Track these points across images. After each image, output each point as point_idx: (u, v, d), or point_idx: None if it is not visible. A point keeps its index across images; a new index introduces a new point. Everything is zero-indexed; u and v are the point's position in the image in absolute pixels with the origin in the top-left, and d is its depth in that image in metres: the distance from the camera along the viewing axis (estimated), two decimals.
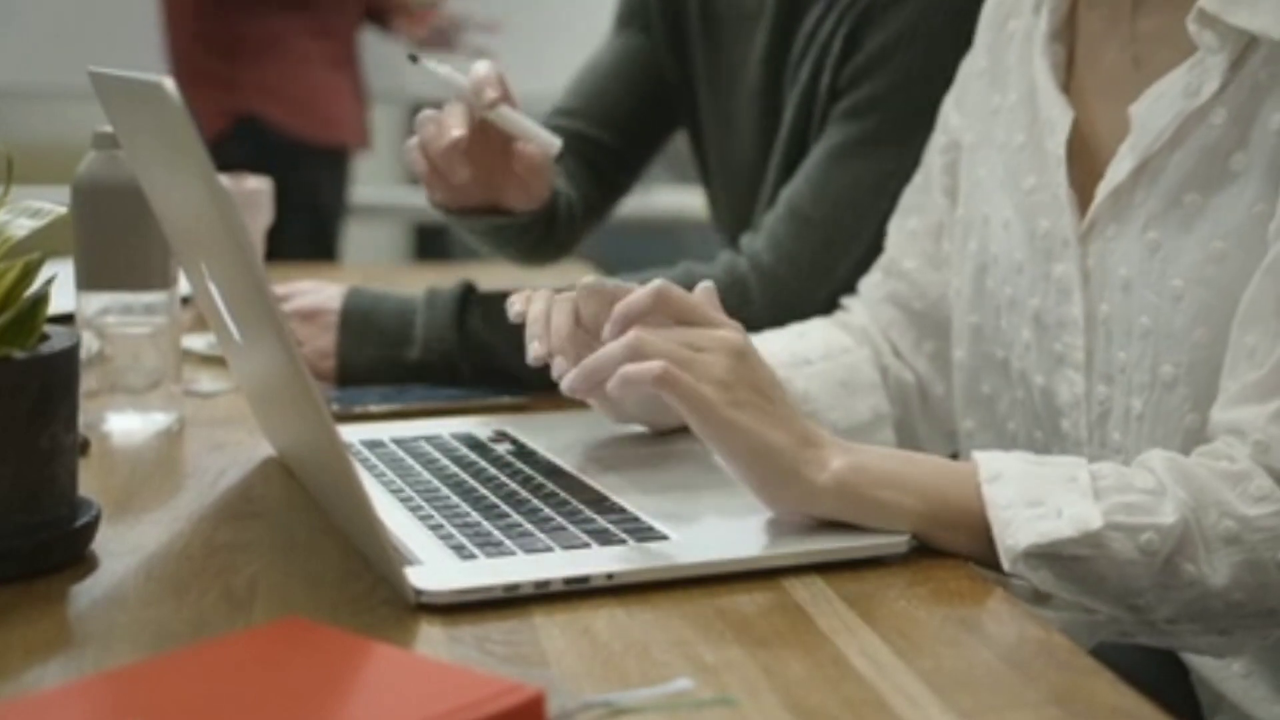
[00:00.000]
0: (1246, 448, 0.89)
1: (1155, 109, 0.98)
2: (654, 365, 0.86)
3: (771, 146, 1.45)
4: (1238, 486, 0.87)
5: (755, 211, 1.47)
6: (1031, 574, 0.86)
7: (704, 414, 0.86)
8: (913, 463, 0.91)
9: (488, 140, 1.26)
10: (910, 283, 1.22)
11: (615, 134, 1.55)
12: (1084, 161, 1.05)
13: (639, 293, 0.91)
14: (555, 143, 1.26)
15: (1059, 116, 1.06)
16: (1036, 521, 0.85)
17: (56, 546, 0.85)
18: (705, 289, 0.95)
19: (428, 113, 1.26)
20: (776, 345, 1.19)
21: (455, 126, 1.23)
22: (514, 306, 1.02)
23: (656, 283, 0.91)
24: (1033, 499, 0.87)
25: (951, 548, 0.89)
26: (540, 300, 1.01)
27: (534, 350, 0.99)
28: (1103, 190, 1.01)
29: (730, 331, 0.90)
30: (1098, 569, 0.86)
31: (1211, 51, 0.95)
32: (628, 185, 1.60)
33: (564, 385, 0.91)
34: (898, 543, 0.88)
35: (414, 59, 1.26)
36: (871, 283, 1.25)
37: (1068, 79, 1.08)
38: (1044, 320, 1.06)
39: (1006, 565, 0.86)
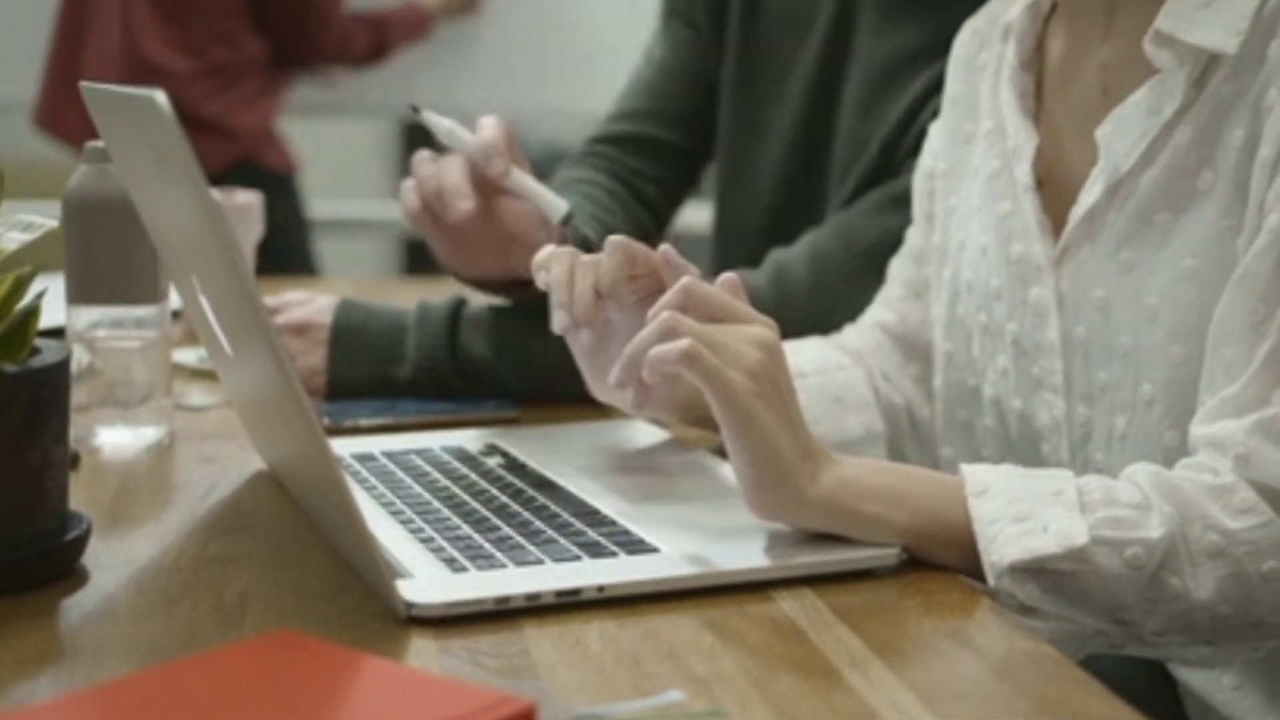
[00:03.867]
0: (1228, 461, 0.89)
1: (1120, 131, 0.99)
2: (681, 343, 0.86)
3: (815, 161, 1.45)
4: (1221, 500, 0.88)
5: (772, 216, 1.46)
6: (1017, 589, 0.86)
7: (727, 396, 0.86)
8: (902, 476, 0.91)
9: (488, 206, 1.21)
10: (894, 309, 1.23)
11: (684, 133, 1.53)
12: (1056, 188, 1.06)
13: (667, 294, 0.91)
14: (561, 207, 1.21)
15: (1024, 143, 1.07)
16: (1022, 537, 0.86)
17: (47, 560, 0.85)
18: (729, 280, 0.95)
19: (425, 154, 1.22)
20: None
21: (463, 197, 1.17)
22: (539, 274, 1.02)
23: (684, 280, 0.91)
24: (1019, 514, 0.87)
25: (940, 561, 0.89)
26: (561, 264, 1.01)
27: (559, 321, 1.00)
28: (1075, 215, 1.02)
29: (762, 327, 0.90)
30: (1083, 583, 0.86)
31: (1171, 71, 0.96)
32: (697, 182, 1.58)
33: (610, 379, 0.90)
34: (888, 555, 0.88)
35: (415, 110, 1.22)
36: (869, 310, 1.26)
37: (1036, 108, 1.09)
38: (1022, 344, 1.07)
39: (991, 580, 0.86)
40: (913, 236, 1.23)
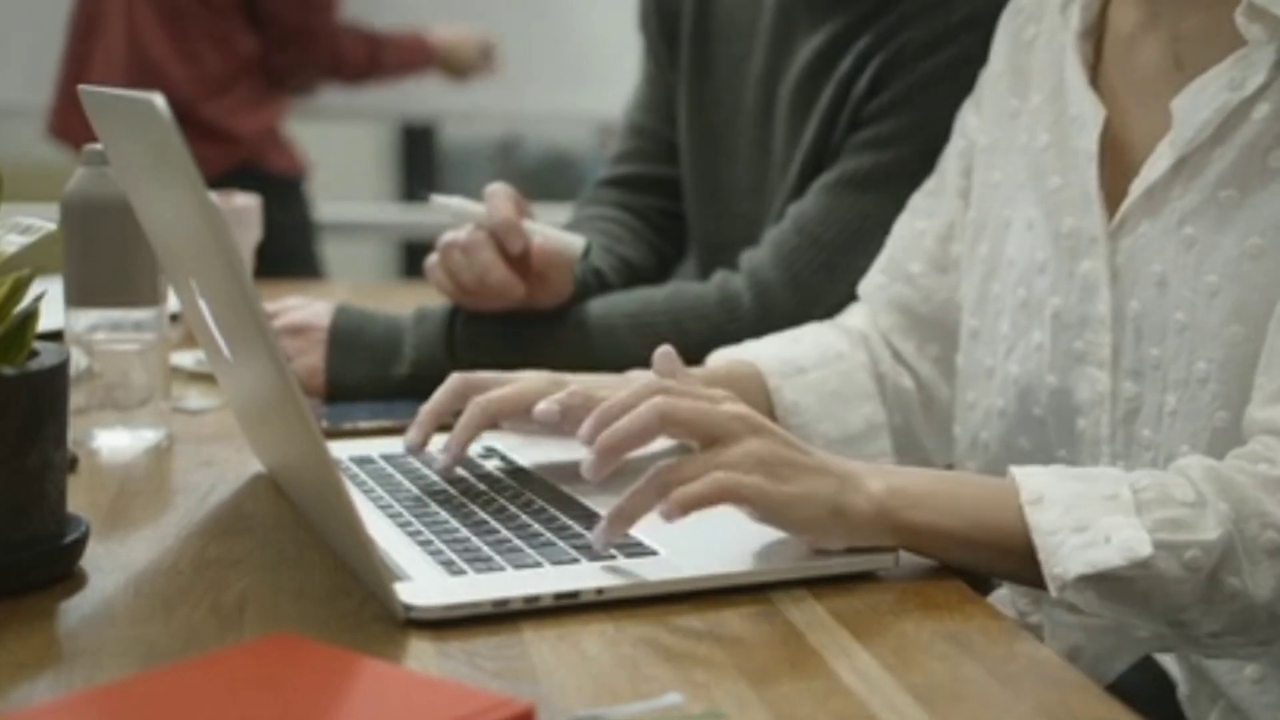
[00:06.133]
0: None
1: (1198, 102, 0.98)
2: (717, 478, 0.84)
3: (768, 165, 1.46)
4: (1278, 493, 0.87)
5: (746, 227, 1.47)
6: (1077, 598, 0.85)
7: (766, 505, 0.85)
8: (950, 482, 0.91)
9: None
10: (916, 286, 1.21)
11: (676, 163, 1.57)
12: (1114, 160, 1.05)
13: (631, 390, 0.89)
14: (579, 244, 1.30)
15: (1090, 114, 1.06)
16: (1085, 550, 0.84)
17: (45, 563, 0.85)
18: (667, 354, 0.95)
19: (450, 239, 1.28)
20: (769, 351, 1.19)
21: (493, 264, 1.26)
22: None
23: (652, 380, 0.90)
24: (1078, 523, 0.85)
25: (991, 570, 0.88)
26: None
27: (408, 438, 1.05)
28: (1138, 187, 1.01)
29: (739, 405, 0.89)
30: (1142, 589, 0.85)
31: (1259, 44, 0.96)
32: None
33: (597, 543, 0.87)
34: (887, 558, 0.88)
35: (425, 197, 1.30)
36: (874, 285, 1.24)
37: (1095, 78, 1.08)
38: (1064, 319, 1.06)
39: (1054, 593, 0.85)
40: (941, 212, 1.22)
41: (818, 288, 1.34)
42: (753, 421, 0.88)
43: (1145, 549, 0.84)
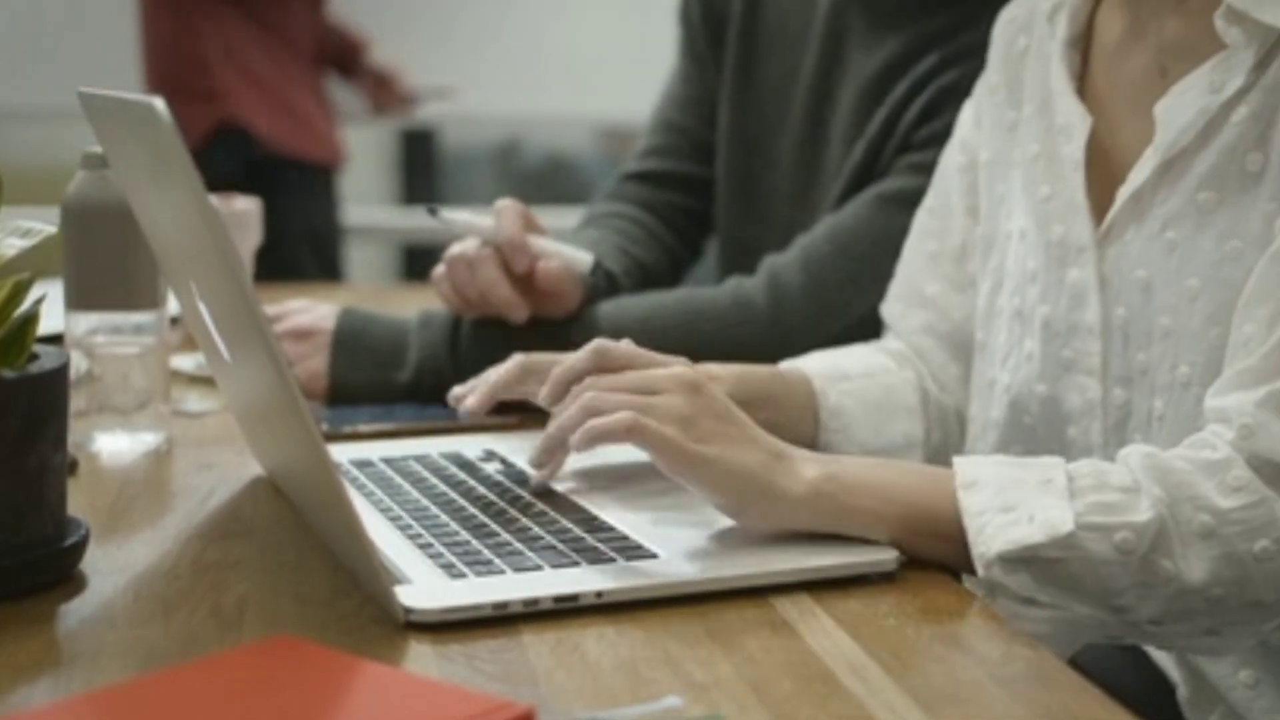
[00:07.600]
0: (1231, 433, 0.89)
1: (1179, 105, 0.99)
2: (622, 417, 0.88)
3: (814, 173, 1.45)
4: (1215, 477, 0.87)
5: (784, 232, 1.47)
6: (1009, 578, 0.86)
7: (672, 455, 0.88)
8: (889, 469, 0.92)
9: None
10: (935, 308, 1.21)
11: (706, 163, 1.57)
12: (1101, 169, 1.05)
13: (577, 354, 0.95)
14: (587, 260, 1.32)
15: (1076, 122, 1.06)
16: (1008, 528, 0.86)
17: (45, 566, 0.85)
18: (628, 344, 0.98)
19: (456, 253, 1.29)
20: (817, 359, 1.19)
21: (497, 282, 1.27)
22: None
23: (595, 343, 0.95)
24: (1006, 504, 0.87)
25: (930, 555, 0.89)
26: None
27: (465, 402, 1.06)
28: (1124, 193, 1.02)
29: (680, 367, 0.92)
30: (1073, 570, 0.86)
31: (1238, 48, 0.96)
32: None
33: (530, 461, 0.96)
34: (886, 561, 0.88)
35: (433, 212, 1.30)
36: (896, 314, 1.23)
37: (1082, 87, 1.08)
38: (1054, 327, 1.06)
39: (980, 571, 0.86)
40: (951, 233, 1.21)
41: (838, 299, 1.34)
42: (688, 381, 0.91)
43: (1066, 526, 0.85)
